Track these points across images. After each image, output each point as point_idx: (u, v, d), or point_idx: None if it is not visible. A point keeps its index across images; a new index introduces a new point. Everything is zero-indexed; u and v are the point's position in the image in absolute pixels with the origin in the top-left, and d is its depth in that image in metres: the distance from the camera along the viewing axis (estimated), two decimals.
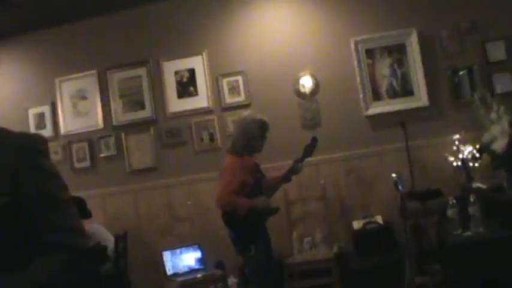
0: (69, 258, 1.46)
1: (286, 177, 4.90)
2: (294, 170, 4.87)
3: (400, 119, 5.91)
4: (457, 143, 5.73)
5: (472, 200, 4.62)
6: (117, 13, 6.68)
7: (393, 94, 6.19)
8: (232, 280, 6.06)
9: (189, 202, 6.44)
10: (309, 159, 4.96)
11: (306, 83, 6.34)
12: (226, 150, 4.93)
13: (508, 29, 6.00)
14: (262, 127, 4.76)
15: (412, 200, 5.12)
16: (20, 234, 1.45)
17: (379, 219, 5.90)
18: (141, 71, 6.66)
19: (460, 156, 5.63)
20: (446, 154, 5.76)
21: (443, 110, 6.11)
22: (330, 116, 6.29)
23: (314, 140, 4.92)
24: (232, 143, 4.80)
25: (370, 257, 5.56)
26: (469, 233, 4.57)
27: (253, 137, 4.71)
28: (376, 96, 6.21)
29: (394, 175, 5.06)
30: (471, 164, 5.50)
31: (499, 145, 4.57)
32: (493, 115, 4.83)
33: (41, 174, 1.51)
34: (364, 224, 5.82)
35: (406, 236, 5.18)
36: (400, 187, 4.89)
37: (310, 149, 4.90)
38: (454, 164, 5.68)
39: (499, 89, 5.89)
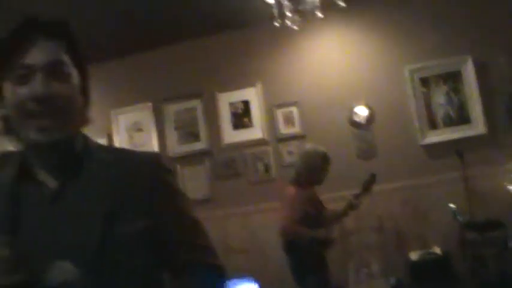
0: (211, 277, 1.47)
1: (344, 213, 5.02)
2: (351, 207, 4.95)
3: (457, 147, 5.84)
4: None
5: None
6: (171, 46, 6.76)
7: (449, 122, 6.11)
8: None
9: (243, 234, 6.43)
10: None
11: (361, 112, 6.32)
12: (288, 181, 5.01)
13: None
14: (324, 160, 4.90)
15: (471, 231, 5.03)
16: (156, 254, 1.42)
17: (437, 250, 5.78)
18: (196, 103, 6.73)
19: None
20: (506, 183, 5.64)
21: (501, 138, 6.00)
22: (386, 145, 6.25)
23: (372, 177, 5.02)
24: (296, 174, 4.94)
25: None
26: None
27: (315, 169, 4.85)
28: (432, 125, 6.15)
29: (452, 205, 4.98)
30: None
31: None
32: None
33: (173, 192, 1.51)
34: (422, 255, 5.72)
35: (466, 268, 5.10)
36: (458, 217, 4.81)
37: (368, 185, 5.06)
38: None
39: None
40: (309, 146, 5.12)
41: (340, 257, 6.01)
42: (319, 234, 4.76)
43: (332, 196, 5.59)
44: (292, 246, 4.74)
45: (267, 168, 6.50)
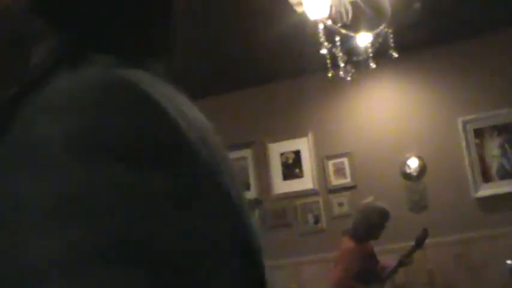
0: None
1: (395, 271, 5.06)
2: (402, 264, 5.00)
3: None
4: None
5: None
6: (221, 95, 6.84)
7: (505, 175, 6.04)
8: None
9: (292, 285, 6.33)
10: None
11: (412, 164, 6.30)
12: (344, 233, 5.04)
13: None
14: (383, 217, 4.93)
15: None
16: None
17: None
18: (247, 152, 6.80)
19: None
20: None
21: None
22: (438, 198, 6.19)
23: (425, 232, 5.04)
24: (354, 228, 4.95)
25: None
26: None
27: (375, 225, 4.89)
28: (486, 178, 6.08)
29: (509, 262, 4.91)
30: None
31: None
32: None
33: None
34: None
35: None
36: None
37: (421, 241, 5.07)
38: None
39: None
40: (368, 200, 5.12)
41: None
42: None
43: (383, 248, 5.50)
44: None
45: (317, 219, 6.49)
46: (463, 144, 6.16)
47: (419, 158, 6.30)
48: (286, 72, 6.48)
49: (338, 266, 4.80)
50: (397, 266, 5.03)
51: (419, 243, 5.09)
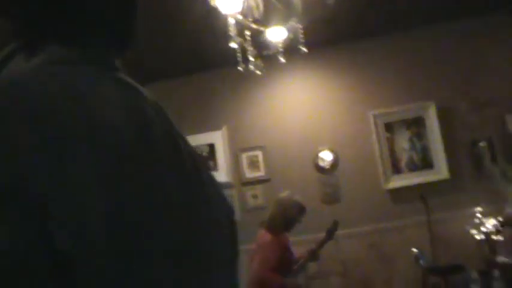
0: None
1: (305, 263, 5.15)
2: (313, 257, 5.11)
3: (421, 192, 5.98)
4: (479, 216, 5.72)
5: (496, 274, 4.63)
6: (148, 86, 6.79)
7: (413, 167, 6.26)
8: None
9: None
10: None
11: (326, 157, 6.44)
12: (261, 225, 5.10)
13: None
14: (301, 212, 5.02)
15: (434, 275, 5.13)
16: None
17: None
18: None
19: (483, 229, 5.61)
20: (469, 227, 5.75)
21: (464, 183, 6.16)
22: (350, 190, 6.36)
23: (335, 224, 5.18)
24: (271, 220, 5.01)
25: None
26: None
27: (291, 218, 4.96)
28: (396, 170, 6.29)
29: (414, 250, 5.10)
30: (494, 238, 5.48)
31: None
32: None
33: None
34: None
35: None
36: (421, 262, 4.93)
37: (331, 233, 5.18)
38: (477, 237, 5.67)
39: None
40: (285, 194, 5.16)
41: None
42: (290, 283, 4.86)
43: (296, 240, 5.57)
44: None
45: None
46: (374, 137, 6.34)
47: (332, 151, 6.44)
48: (199, 66, 6.52)
49: (256, 258, 4.85)
50: (307, 257, 5.13)
51: (330, 235, 5.21)
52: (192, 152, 0.81)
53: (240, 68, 3.75)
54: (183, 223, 0.72)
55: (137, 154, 0.70)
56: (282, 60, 3.97)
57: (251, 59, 3.53)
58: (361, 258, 6.23)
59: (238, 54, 3.65)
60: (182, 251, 0.70)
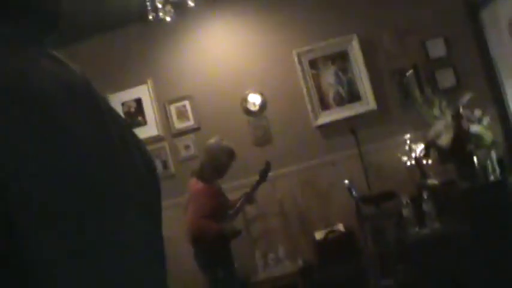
0: None
1: (241, 207, 5.24)
2: (248, 201, 5.21)
3: (350, 125, 6.06)
4: (408, 142, 5.84)
5: (425, 197, 4.77)
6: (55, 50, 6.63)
7: (341, 101, 6.32)
8: None
9: None
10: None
11: (254, 100, 6.46)
12: (192, 174, 5.10)
13: (445, 26, 6.20)
14: (230, 156, 5.02)
15: (368, 204, 5.25)
16: None
17: (341, 227, 5.96)
18: None
19: (413, 155, 5.74)
20: (399, 155, 5.87)
21: (391, 112, 6.29)
22: (281, 130, 6.40)
23: (267, 165, 5.27)
24: (201, 169, 5.04)
25: (335, 266, 5.62)
26: (425, 231, 4.74)
27: (221, 164, 4.98)
28: (324, 106, 6.34)
29: (346, 181, 5.19)
30: (424, 162, 5.61)
31: (444, 140, 4.72)
32: (436, 111, 4.99)
33: None
34: (326, 234, 5.86)
35: (365, 241, 5.34)
36: (353, 192, 5.02)
37: (264, 174, 5.26)
38: (408, 163, 5.80)
39: (441, 85, 6.09)
40: (213, 140, 5.15)
41: (246, 246, 6.09)
42: (227, 228, 4.92)
43: (231, 185, 5.68)
44: (200, 240, 4.84)
45: (165, 165, 6.53)
46: (300, 75, 6.34)
47: (259, 93, 6.45)
48: (113, 24, 6.39)
49: (190, 208, 4.88)
50: (243, 202, 5.19)
51: (263, 176, 5.27)
52: (117, 120, 0.85)
53: (150, 17, 3.70)
54: (101, 170, 0.75)
55: (60, 115, 0.75)
56: (191, 4, 3.93)
57: (159, 6, 3.48)
58: (298, 196, 6.31)
59: (148, 3, 3.59)
60: (99, 193, 0.74)
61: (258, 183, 5.25)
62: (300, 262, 6.01)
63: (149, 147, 5.94)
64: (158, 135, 6.56)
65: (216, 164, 4.98)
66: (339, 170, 6.14)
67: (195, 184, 4.97)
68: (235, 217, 5.18)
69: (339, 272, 5.55)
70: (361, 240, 5.67)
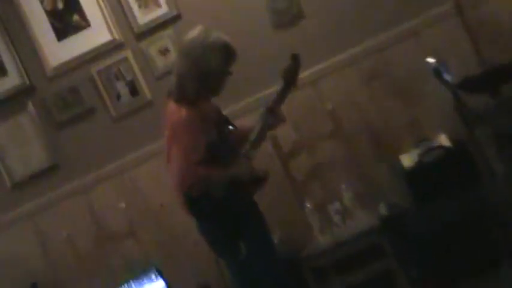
0: None
1: (264, 131, 4.74)
2: (272, 120, 4.72)
3: None
4: None
5: None
6: None
7: None
8: None
9: (122, 204, 6.31)
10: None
11: None
12: (168, 94, 4.70)
13: None
14: (227, 55, 4.58)
15: (476, 92, 4.98)
16: None
17: (443, 140, 5.75)
18: None
19: None
20: None
21: None
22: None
23: (294, 60, 4.71)
24: (178, 85, 4.61)
25: (445, 207, 5.42)
26: None
27: (213, 72, 4.52)
28: None
29: (430, 60, 4.75)
30: None
31: None
32: None
33: None
34: (421, 156, 5.67)
35: (485, 158, 5.23)
36: (445, 76, 4.55)
37: (291, 75, 4.74)
38: None
39: None
40: (196, 33, 4.64)
41: (288, 197, 6.10)
42: (240, 170, 4.54)
43: (241, 106, 5.82)
44: (201, 201, 4.48)
45: (134, 88, 6.41)
46: None
47: None
48: None
49: (174, 150, 4.52)
50: (263, 124, 4.67)
51: (290, 79, 4.71)
52: None
53: None
54: None
55: None
56: None
57: None
58: (362, 101, 6.14)
59: None
60: None
61: (284, 90, 4.71)
62: (381, 209, 5.87)
63: (102, 64, 6.51)
64: (113, 41, 6.42)
65: (205, 73, 4.52)
66: (424, 44, 5.90)
67: (175, 111, 4.56)
68: (253, 154, 4.66)
69: (449, 215, 5.37)
70: (478, 158, 5.48)
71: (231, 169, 4.49)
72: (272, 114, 4.65)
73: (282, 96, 4.66)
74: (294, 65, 4.67)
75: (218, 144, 4.54)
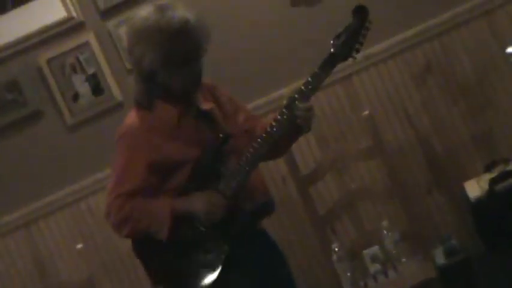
0: None
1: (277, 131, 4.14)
2: (293, 119, 4.13)
3: None
4: None
5: None
6: None
7: None
8: None
9: (79, 245, 5.93)
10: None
11: None
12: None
13: None
14: (184, 35, 4.04)
15: None
16: None
17: None
18: None
19: None
20: None
21: None
22: None
23: (361, 13, 4.19)
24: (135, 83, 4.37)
25: None
26: None
27: (155, 68, 4.11)
28: None
29: (511, 50, 4.87)
30: None
31: None
32: None
33: None
34: (493, 183, 5.53)
35: None
36: None
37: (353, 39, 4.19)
38: None
39: None
40: (144, 12, 4.18)
41: (308, 234, 5.96)
42: (196, 204, 4.07)
43: (258, 103, 5.78)
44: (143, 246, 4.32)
45: (97, 84, 6.31)
46: None
47: None
48: None
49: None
50: (279, 123, 4.19)
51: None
52: None
53: None
54: None
55: None
56: None
57: None
58: (414, 104, 6.11)
59: None
60: None
61: (328, 63, 4.20)
62: (438, 256, 5.79)
63: (56, 50, 6.45)
64: (70, 19, 6.28)
65: (144, 70, 4.18)
66: (501, 26, 5.99)
67: (127, 119, 4.36)
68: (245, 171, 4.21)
69: None
70: None
71: (186, 200, 4.08)
72: (304, 101, 4.20)
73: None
74: (359, 24, 4.19)
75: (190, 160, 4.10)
